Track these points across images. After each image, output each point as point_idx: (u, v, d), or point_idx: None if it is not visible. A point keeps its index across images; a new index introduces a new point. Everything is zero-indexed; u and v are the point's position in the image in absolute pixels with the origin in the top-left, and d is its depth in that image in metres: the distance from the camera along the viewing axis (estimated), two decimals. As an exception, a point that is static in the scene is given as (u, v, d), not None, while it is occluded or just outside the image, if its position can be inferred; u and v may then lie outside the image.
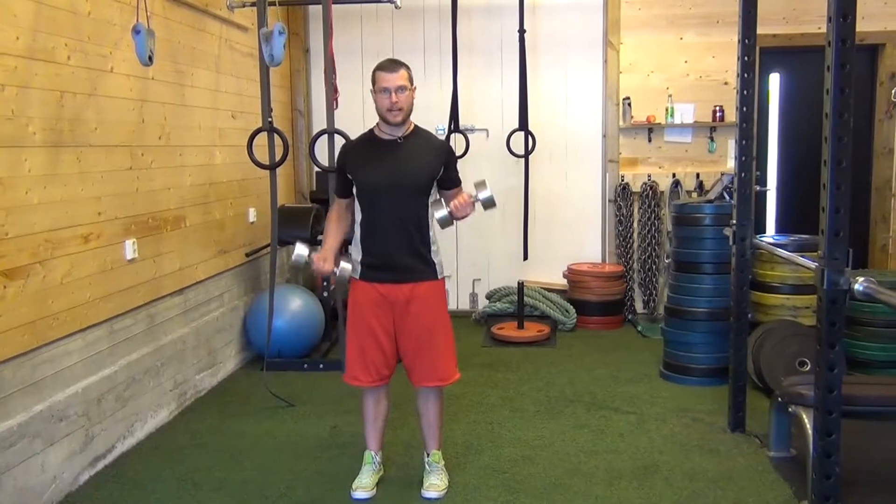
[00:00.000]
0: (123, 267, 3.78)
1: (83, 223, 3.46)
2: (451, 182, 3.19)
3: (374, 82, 3.07)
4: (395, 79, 3.01)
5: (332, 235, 3.28)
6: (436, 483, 3.24)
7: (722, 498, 3.18)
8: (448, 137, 5.54)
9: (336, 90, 4.38)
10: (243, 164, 4.75)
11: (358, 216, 3.16)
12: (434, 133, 3.33)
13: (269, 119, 4.28)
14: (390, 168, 3.07)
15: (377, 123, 3.15)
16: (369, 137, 3.18)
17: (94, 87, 3.55)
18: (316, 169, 5.94)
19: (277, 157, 4.37)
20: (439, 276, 3.16)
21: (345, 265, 3.17)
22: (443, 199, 3.09)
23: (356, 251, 3.19)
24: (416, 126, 3.17)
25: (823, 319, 2.67)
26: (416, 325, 3.13)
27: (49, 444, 3.17)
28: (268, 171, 4.44)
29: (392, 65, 3.05)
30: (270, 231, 4.57)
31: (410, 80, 3.07)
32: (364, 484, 3.24)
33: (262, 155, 4.41)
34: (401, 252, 3.08)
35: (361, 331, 3.16)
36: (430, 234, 3.14)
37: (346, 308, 4.77)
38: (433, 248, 3.15)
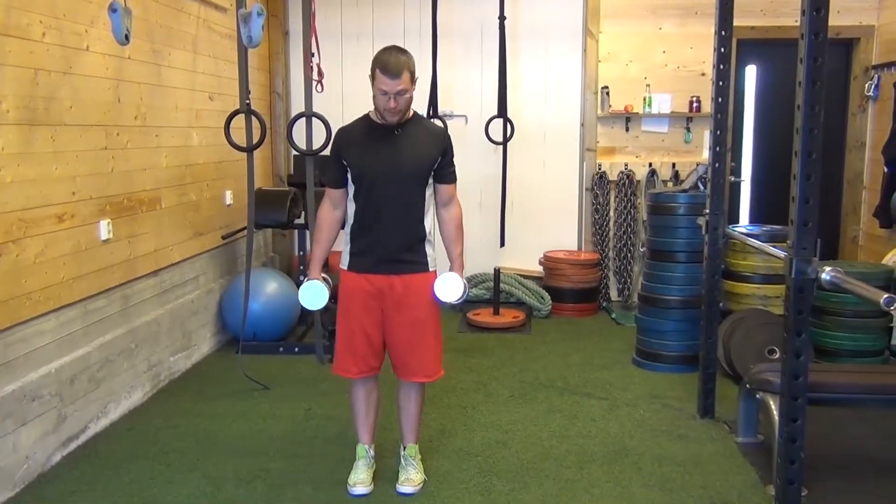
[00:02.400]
0: (98, 247, 3.76)
1: (57, 202, 3.43)
2: (445, 177, 3.07)
3: (373, 76, 2.89)
4: (396, 84, 2.84)
5: (320, 246, 3.12)
6: (412, 477, 3.18)
7: (690, 482, 3.24)
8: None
9: (321, 73, 4.36)
10: (220, 147, 4.73)
11: (351, 205, 3.06)
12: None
13: (247, 101, 4.26)
14: (389, 156, 2.97)
15: (373, 109, 3.02)
16: (365, 123, 3.05)
17: (69, 65, 3.51)
18: (293, 152, 5.92)
19: (255, 140, 4.35)
20: (430, 269, 3.09)
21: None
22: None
23: (348, 240, 3.10)
24: (415, 113, 3.06)
25: (791, 307, 2.72)
26: (406, 318, 3.06)
27: (21, 424, 3.16)
28: (245, 154, 4.42)
29: (395, 66, 2.84)
30: (247, 214, 4.55)
31: (412, 77, 2.90)
32: (362, 479, 3.16)
33: (240, 137, 4.39)
34: (395, 243, 3.00)
35: (351, 322, 3.08)
36: (426, 224, 3.05)
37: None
38: (428, 238, 3.07)
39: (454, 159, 3.12)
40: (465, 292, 3.07)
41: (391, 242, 3.01)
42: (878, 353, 4.58)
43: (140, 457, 3.47)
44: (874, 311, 4.45)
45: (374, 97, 2.94)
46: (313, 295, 3.09)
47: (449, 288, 3.05)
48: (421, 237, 3.05)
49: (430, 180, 3.07)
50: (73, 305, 3.56)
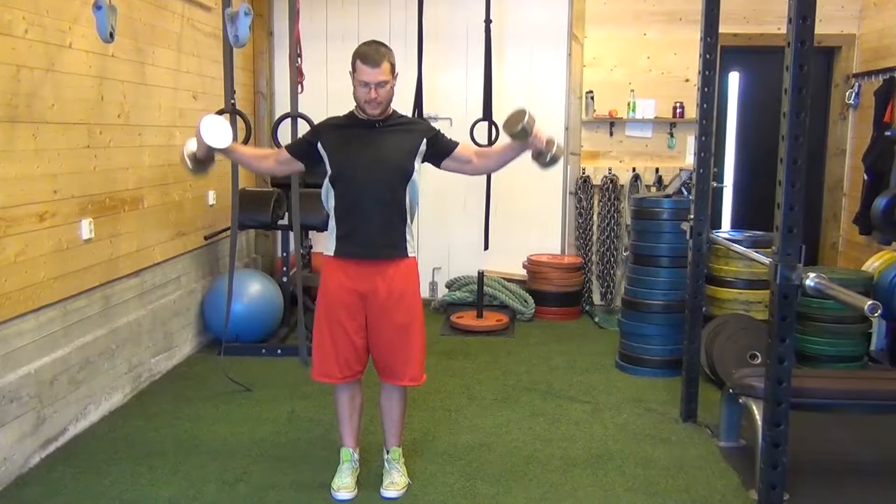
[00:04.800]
0: (79, 247, 3.71)
1: (38, 201, 3.39)
2: (448, 145, 3.05)
3: (353, 69, 2.90)
4: (376, 74, 2.85)
5: (245, 151, 3.26)
6: (396, 481, 3.16)
7: (672, 486, 3.26)
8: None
9: (301, 74, 4.35)
10: (204, 146, 4.69)
11: (331, 201, 3.03)
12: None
13: (232, 101, 4.24)
14: (369, 146, 2.96)
15: (356, 107, 3.02)
16: (348, 118, 3.05)
17: (52, 62, 3.47)
18: (278, 153, 5.90)
19: (240, 140, 4.33)
20: (410, 255, 3.05)
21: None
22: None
23: (331, 234, 3.06)
24: (395, 112, 3.05)
25: (775, 313, 2.74)
26: (391, 322, 3.03)
27: (-1, 426, 3.12)
28: (229, 154, 4.39)
29: (374, 56, 2.86)
30: (231, 214, 4.53)
31: (392, 70, 2.92)
32: (346, 483, 3.13)
33: (224, 137, 4.35)
34: (376, 230, 2.97)
35: (333, 327, 3.05)
36: (407, 219, 3.04)
37: (305, 293, 4.77)
38: (408, 230, 3.05)
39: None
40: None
41: (373, 230, 2.98)
42: (857, 358, 4.62)
43: (120, 459, 3.43)
44: (854, 317, 4.50)
45: (354, 91, 2.94)
46: (218, 129, 2.86)
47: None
48: (402, 225, 3.03)
49: (413, 177, 3.01)
50: (54, 305, 3.52)
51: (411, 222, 3.08)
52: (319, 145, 3.03)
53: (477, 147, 3.12)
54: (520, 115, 2.83)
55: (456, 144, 3.10)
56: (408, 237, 3.07)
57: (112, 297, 4.03)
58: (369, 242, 3.00)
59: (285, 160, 3.14)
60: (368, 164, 2.96)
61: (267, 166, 3.23)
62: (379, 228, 2.99)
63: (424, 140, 3.03)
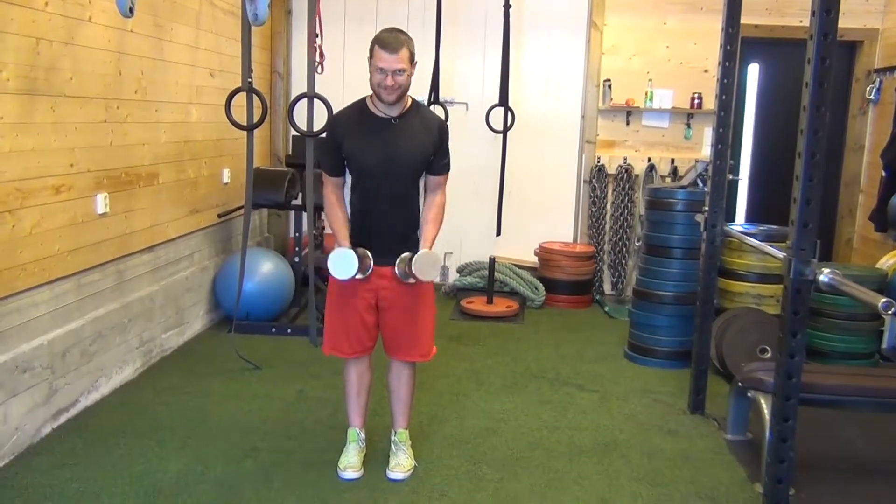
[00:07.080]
0: (94, 221, 3.73)
1: (55, 174, 3.41)
2: (438, 168, 3.03)
3: (371, 55, 2.85)
4: (395, 61, 2.80)
5: (339, 220, 3.02)
6: (402, 463, 3.18)
7: (678, 477, 3.26)
8: (427, 109, 5.51)
9: (322, 55, 4.34)
10: (219, 124, 4.70)
11: (347, 194, 3.03)
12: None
13: (249, 80, 4.23)
14: (384, 149, 2.93)
15: (370, 96, 2.98)
16: (362, 111, 2.99)
17: (71, 35, 3.47)
18: (292, 133, 5.90)
19: (256, 119, 4.33)
20: None
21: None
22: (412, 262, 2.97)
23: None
24: (413, 101, 3.01)
25: (788, 308, 2.73)
26: (401, 302, 3.05)
27: (12, 396, 3.15)
28: (244, 133, 4.39)
29: (393, 42, 2.81)
30: (245, 193, 4.53)
31: (412, 58, 2.86)
32: (352, 463, 3.15)
33: (240, 115, 4.36)
34: (389, 235, 2.99)
35: (344, 304, 3.07)
36: (419, 215, 3.05)
37: (317, 274, 4.78)
38: (422, 228, 3.07)
39: (449, 149, 3.09)
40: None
41: (386, 235, 3.00)
42: (868, 355, 4.60)
43: (130, 432, 3.47)
44: (866, 314, 4.47)
45: (370, 78, 2.89)
46: (344, 264, 2.91)
47: (427, 265, 2.96)
48: (416, 227, 3.05)
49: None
50: (68, 278, 3.54)
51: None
52: (341, 149, 2.97)
53: (440, 194, 3.10)
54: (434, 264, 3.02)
55: (446, 171, 3.08)
56: (421, 240, 3.06)
57: (125, 271, 4.06)
58: (381, 251, 2.99)
59: (339, 182, 3.04)
60: (384, 165, 2.94)
61: (342, 192, 3.05)
62: (392, 235, 3.00)
63: (436, 148, 3.01)
